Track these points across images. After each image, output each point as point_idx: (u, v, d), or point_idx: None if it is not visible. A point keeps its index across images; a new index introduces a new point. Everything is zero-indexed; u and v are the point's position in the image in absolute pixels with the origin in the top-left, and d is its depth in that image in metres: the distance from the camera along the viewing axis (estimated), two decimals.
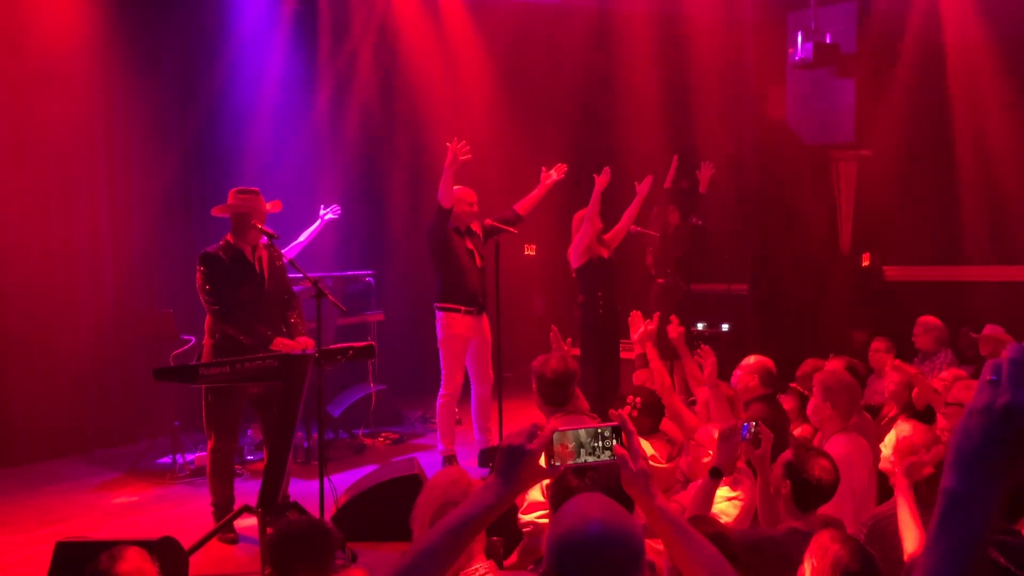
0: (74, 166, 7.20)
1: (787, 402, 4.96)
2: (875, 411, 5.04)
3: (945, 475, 1.03)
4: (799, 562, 2.46)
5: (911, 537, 2.84)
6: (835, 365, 4.95)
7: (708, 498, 3.29)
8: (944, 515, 1.02)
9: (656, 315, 5.49)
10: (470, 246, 6.40)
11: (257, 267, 5.10)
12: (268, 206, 5.15)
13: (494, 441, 6.44)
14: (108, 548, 2.82)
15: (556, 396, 4.00)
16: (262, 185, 5.32)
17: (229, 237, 5.08)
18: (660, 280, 7.79)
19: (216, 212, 5.19)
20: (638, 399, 4.06)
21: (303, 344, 4.97)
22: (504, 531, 3.42)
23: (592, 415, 4.27)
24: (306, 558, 2.80)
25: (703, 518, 2.85)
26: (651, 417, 4.11)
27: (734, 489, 3.62)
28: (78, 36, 7.13)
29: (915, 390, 4.86)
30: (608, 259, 7.12)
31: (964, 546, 1.00)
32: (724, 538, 2.62)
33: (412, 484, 4.79)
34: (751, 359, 4.97)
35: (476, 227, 6.48)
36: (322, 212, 6.96)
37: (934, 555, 1.01)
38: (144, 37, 7.59)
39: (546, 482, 3.12)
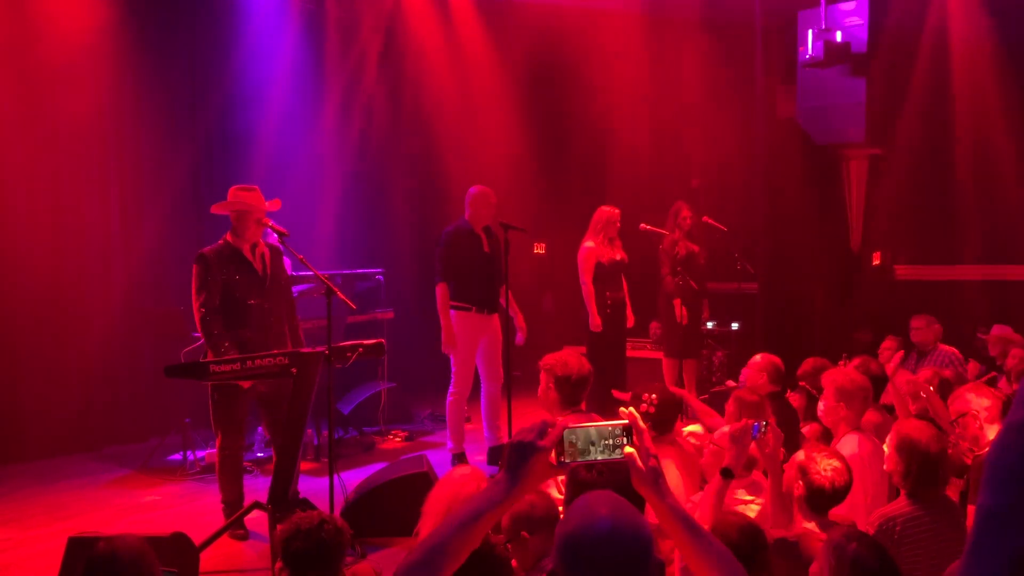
0: (85, 165, 7.23)
1: (796, 400, 4.95)
2: (891, 410, 5.01)
3: (981, 492, 0.99)
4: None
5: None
6: (851, 366, 4.95)
7: (720, 499, 3.28)
8: (980, 533, 0.98)
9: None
10: (485, 247, 6.40)
11: (258, 265, 5.10)
12: (268, 204, 5.15)
13: (504, 439, 6.44)
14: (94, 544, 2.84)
15: (575, 396, 4.00)
16: (272, 183, 5.34)
17: (228, 236, 5.08)
18: (670, 279, 7.78)
19: (215, 210, 5.16)
20: (654, 396, 4.05)
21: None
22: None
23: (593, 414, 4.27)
24: (317, 553, 2.81)
25: (734, 513, 2.85)
26: (666, 415, 4.11)
27: (750, 493, 3.61)
28: (90, 34, 7.16)
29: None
30: (619, 261, 7.12)
31: (1002, 565, 0.96)
32: (757, 531, 2.61)
33: (421, 482, 4.80)
34: (758, 357, 4.98)
35: (493, 227, 6.44)
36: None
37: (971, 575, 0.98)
38: (155, 35, 7.61)
39: (562, 478, 3.13)
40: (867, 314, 8.23)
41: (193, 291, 4.97)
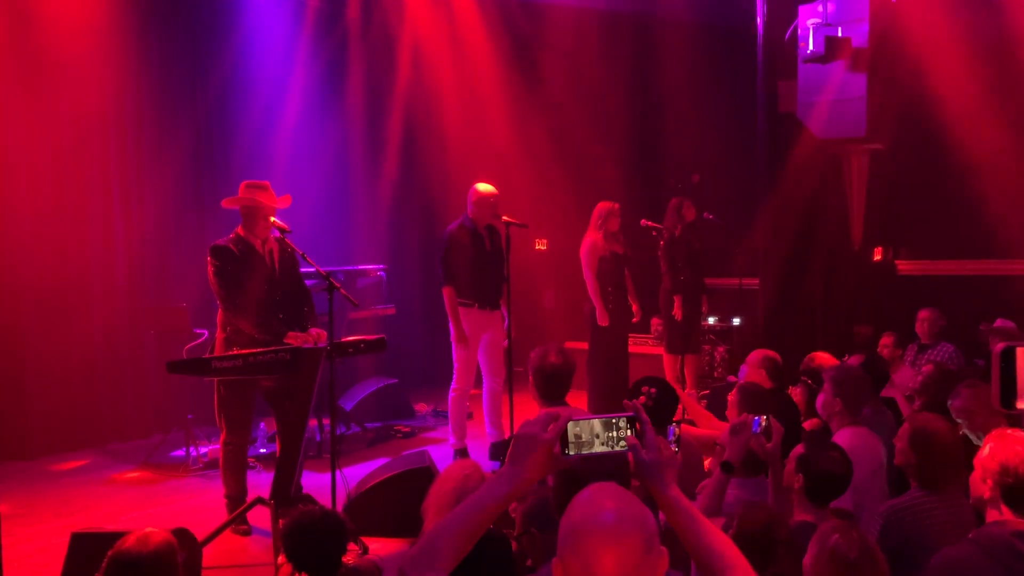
0: (87, 162, 7.24)
1: (797, 395, 4.96)
2: (889, 404, 5.02)
3: None
4: None
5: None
6: (853, 361, 4.96)
7: (720, 492, 3.29)
8: None
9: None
10: (487, 245, 6.40)
11: (267, 260, 5.11)
12: (278, 201, 5.16)
13: (506, 435, 6.45)
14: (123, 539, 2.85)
15: (551, 390, 4.01)
16: (273, 179, 5.34)
17: (239, 230, 5.09)
18: (671, 275, 7.78)
19: (226, 204, 5.21)
20: (653, 390, 4.05)
21: (315, 335, 4.98)
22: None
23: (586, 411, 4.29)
24: (320, 548, 2.82)
25: (758, 505, 2.87)
26: (665, 409, 4.11)
27: None
28: (89, 31, 7.16)
29: None
30: (621, 255, 7.13)
31: None
32: (777, 524, 2.64)
33: (424, 477, 4.81)
34: (755, 354, 5.00)
35: (495, 223, 6.44)
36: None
37: None
38: (155, 31, 7.63)
39: None
40: (868, 309, 8.23)
41: (215, 284, 4.96)
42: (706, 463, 3.92)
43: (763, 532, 2.60)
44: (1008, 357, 2.00)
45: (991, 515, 2.73)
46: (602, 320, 6.97)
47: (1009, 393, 2.02)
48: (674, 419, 4.20)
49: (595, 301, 6.97)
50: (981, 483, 2.77)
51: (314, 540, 2.87)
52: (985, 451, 2.80)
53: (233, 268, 4.95)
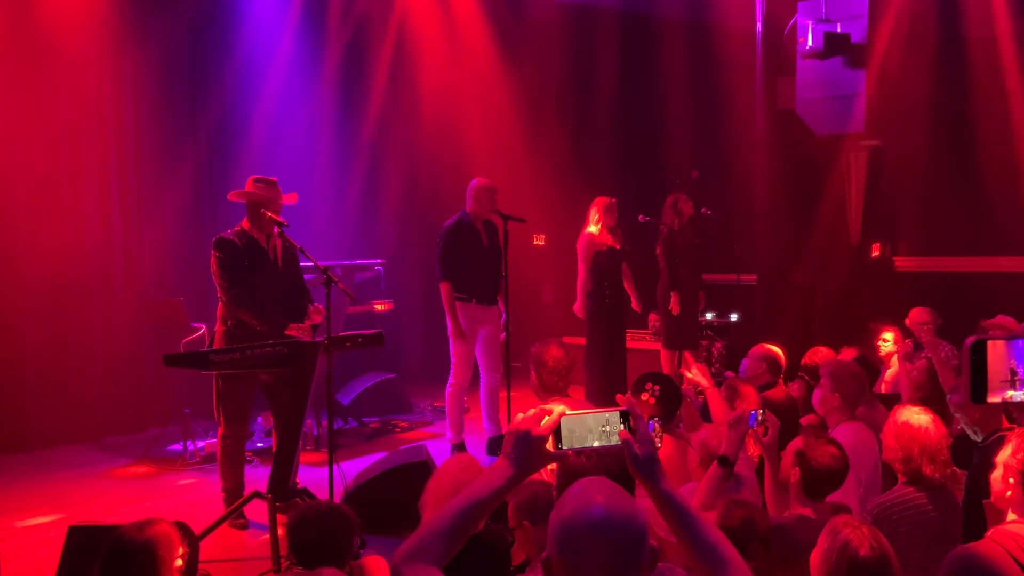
0: (85, 155, 7.23)
1: (795, 391, 4.97)
2: (886, 400, 5.03)
3: None
4: (808, 549, 2.47)
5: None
6: (847, 356, 4.96)
7: (718, 486, 3.30)
8: None
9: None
10: (484, 240, 6.40)
11: (271, 254, 5.12)
12: (284, 197, 5.16)
13: (503, 430, 6.45)
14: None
15: (555, 383, 4.02)
16: (272, 173, 5.34)
17: (245, 223, 5.10)
18: (669, 270, 7.78)
19: (232, 197, 5.22)
20: (656, 387, 4.06)
21: (314, 309, 5.00)
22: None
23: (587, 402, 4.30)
24: (325, 542, 2.81)
25: (740, 502, 2.88)
26: (668, 406, 4.12)
27: (733, 485, 3.63)
28: (90, 23, 7.15)
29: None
30: (619, 250, 7.13)
31: None
32: (754, 522, 2.65)
33: (421, 471, 4.82)
34: (757, 348, 5.00)
35: (492, 217, 6.45)
36: None
37: None
38: (156, 24, 7.60)
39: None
40: (866, 306, 8.23)
41: (218, 276, 4.97)
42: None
43: (739, 528, 2.61)
44: (979, 350, 1.99)
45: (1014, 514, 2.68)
46: (579, 312, 6.99)
47: (980, 387, 2.01)
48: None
49: (579, 293, 6.97)
50: (1003, 482, 2.71)
51: (320, 533, 2.86)
52: (1007, 450, 2.74)
53: (236, 261, 4.96)
